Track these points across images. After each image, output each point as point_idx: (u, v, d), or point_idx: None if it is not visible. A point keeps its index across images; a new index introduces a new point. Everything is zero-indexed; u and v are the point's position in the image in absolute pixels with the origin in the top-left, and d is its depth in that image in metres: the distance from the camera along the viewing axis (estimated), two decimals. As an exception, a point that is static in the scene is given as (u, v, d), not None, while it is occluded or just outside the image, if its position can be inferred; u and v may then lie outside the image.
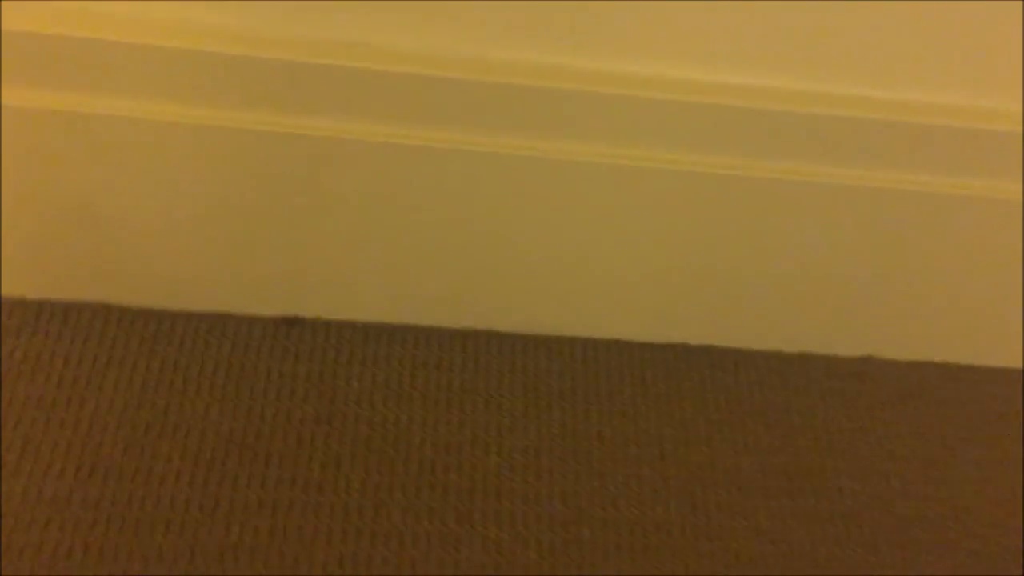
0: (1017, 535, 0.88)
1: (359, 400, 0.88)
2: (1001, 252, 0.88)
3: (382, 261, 0.90)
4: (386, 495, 0.83)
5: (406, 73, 0.77)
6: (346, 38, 0.77)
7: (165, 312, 0.91)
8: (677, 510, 0.85)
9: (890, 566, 0.84)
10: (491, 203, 0.85)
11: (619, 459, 0.88)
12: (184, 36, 0.75)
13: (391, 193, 0.84)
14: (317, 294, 0.92)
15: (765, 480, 0.88)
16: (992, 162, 0.83)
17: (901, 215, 0.86)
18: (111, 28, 0.75)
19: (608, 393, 0.90)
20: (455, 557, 0.80)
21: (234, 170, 0.83)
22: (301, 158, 0.82)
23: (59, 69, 0.76)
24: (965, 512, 0.88)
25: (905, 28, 0.77)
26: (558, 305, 0.93)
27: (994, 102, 0.81)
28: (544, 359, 0.93)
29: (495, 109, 0.79)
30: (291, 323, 0.92)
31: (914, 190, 0.84)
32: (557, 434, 0.89)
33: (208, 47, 0.75)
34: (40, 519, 0.78)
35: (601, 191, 0.84)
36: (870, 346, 0.97)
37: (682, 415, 0.91)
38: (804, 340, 0.96)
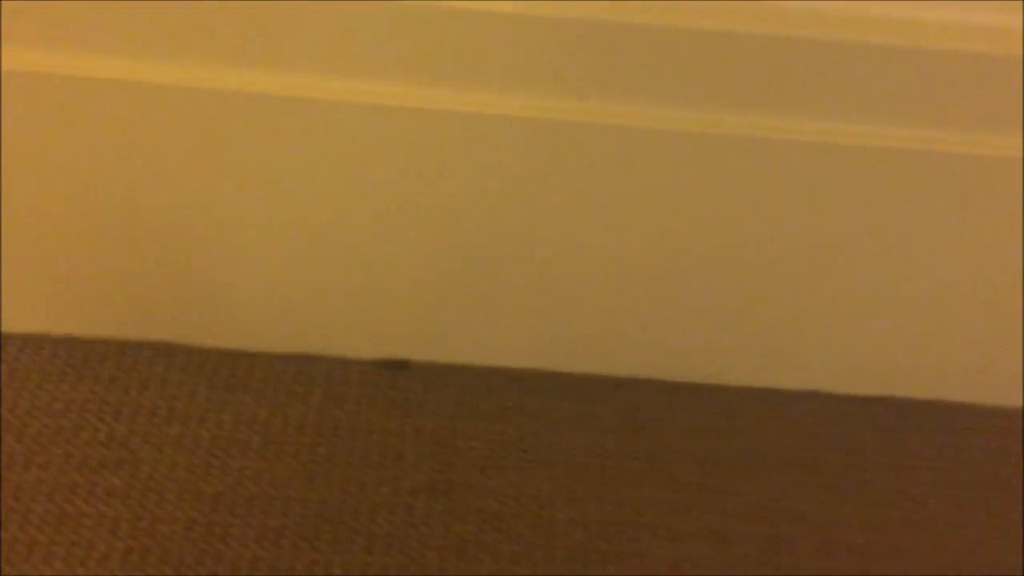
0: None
1: (485, 467, 0.68)
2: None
3: (513, 290, 0.70)
4: (524, 593, 0.63)
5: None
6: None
7: (241, 353, 0.73)
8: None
9: None
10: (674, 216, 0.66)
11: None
12: None
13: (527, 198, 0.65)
14: (428, 333, 0.73)
15: None
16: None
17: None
18: None
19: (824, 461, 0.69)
20: None
21: (328, 173, 0.65)
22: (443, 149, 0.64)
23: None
24: None
25: None
26: (731, 350, 0.73)
27: None
28: (722, 415, 0.72)
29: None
30: (397, 367, 0.73)
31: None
32: (749, 514, 0.67)
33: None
34: (73, 620, 0.60)
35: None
36: None
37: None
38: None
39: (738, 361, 0.73)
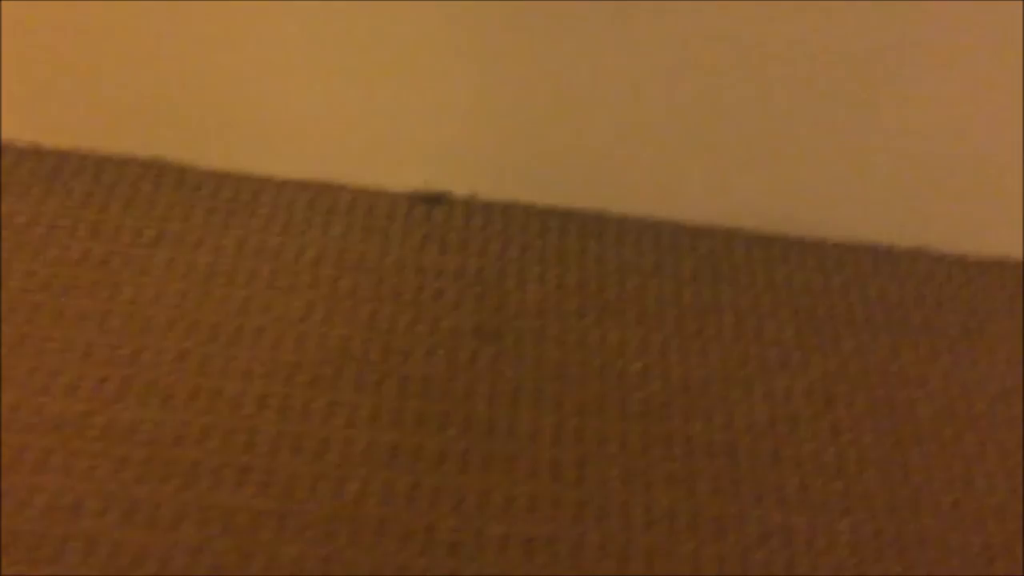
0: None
1: (541, 311, 0.56)
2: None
3: (572, 119, 0.59)
4: (591, 448, 0.51)
5: None
6: None
7: (246, 176, 0.61)
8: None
9: None
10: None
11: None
12: None
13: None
14: (471, 163, 0.61)
15: None
16: None
17: None
18: None
19: (919, 319, 0.58)
20: (706, 550, 0.47)
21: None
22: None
23: None
24: None
25: None
26: (828, 199, 0.62)
27: None
28: (817, 271, 0.61)
29: None
30: (433, 201, 0.61)
31: None
32: (855, 375, 0.56)
33: None
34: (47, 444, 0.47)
35: None
36: None
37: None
38: None
39: (836, 213, 0.62)
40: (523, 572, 0.46)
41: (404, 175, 0.61)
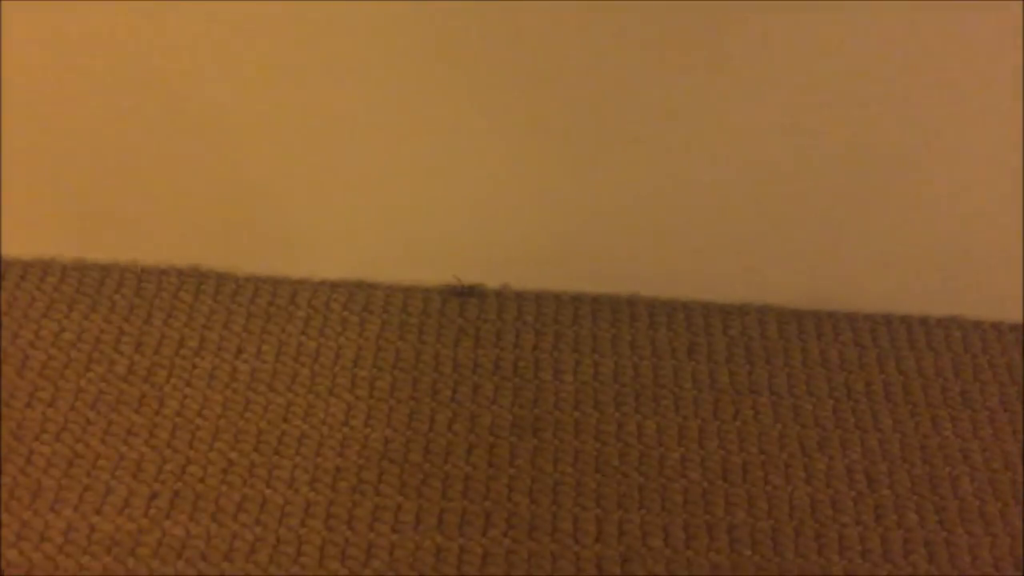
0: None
1: (578, 402, 0.57)
2: None
3: (601, 206, 0.60)
4: (634, 542, 0.51)
5: None
6: None
7: (282, 280, 0.62)
8: None
9: None
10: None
11: None
12: None
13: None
14: (502, 256, 0.62)
15: None
16: None
17: None
18: None
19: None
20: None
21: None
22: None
23: None
24: None
25: None
26: (858, 273, 0.62)
27: None
28: (852, 344, 0.61)
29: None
30: (465, 294, 0.62)
31: None
32: (897, 453, 0.56)
33: None
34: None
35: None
36: None
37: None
38: None
39: (868, 284, 0.62)
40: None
41: (436, 270, 0.62)
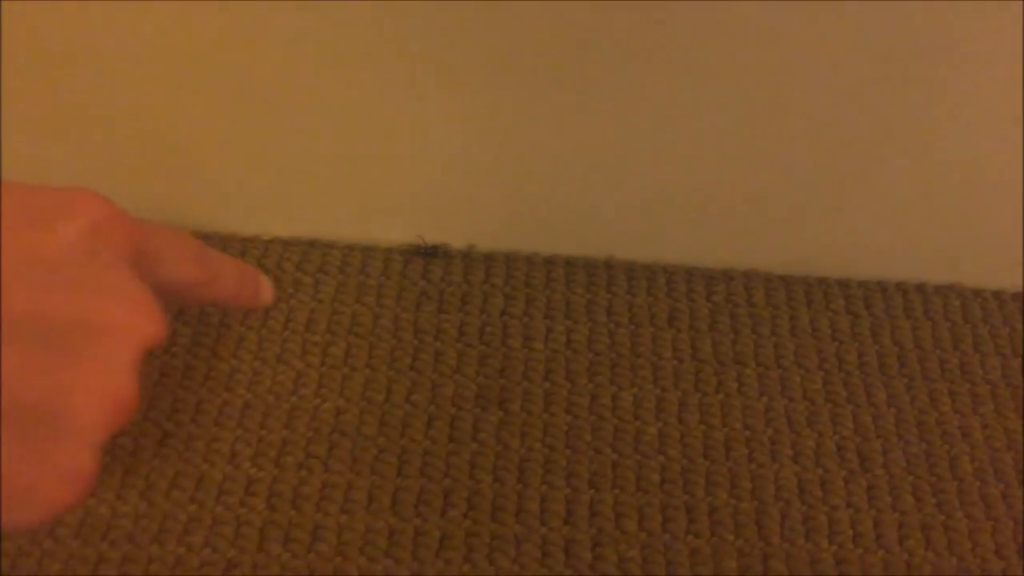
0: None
1: (549, 371, 0.53)
2: None
3: (575, 163, 0.55)
4: (607, 524, 0.47)
5: None
6: None
7: (232, 237, 0.57)
8: None
9: None
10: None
11: None
12: None
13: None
14: (468, 213, 0.57)
15: None
16: None
17: None
18: None
19: None
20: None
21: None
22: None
23: None
24: None
25: None
26: (851, 238, 0.58)
27: None
28: (845, 313, 0.56)
29: None
30: (430, 254, 0.57)
31: None
32: (890, 428, 0.52)
33: None
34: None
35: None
36: None
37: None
38: None
39: (861, 249, 0.57)
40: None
41: (398, 228, 0.57)
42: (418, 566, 0.45)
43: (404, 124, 0.54)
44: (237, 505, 0.47)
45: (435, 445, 0.49)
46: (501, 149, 0.55)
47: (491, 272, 0.56)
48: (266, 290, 0.46)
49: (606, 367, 0.53)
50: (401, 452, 0.49)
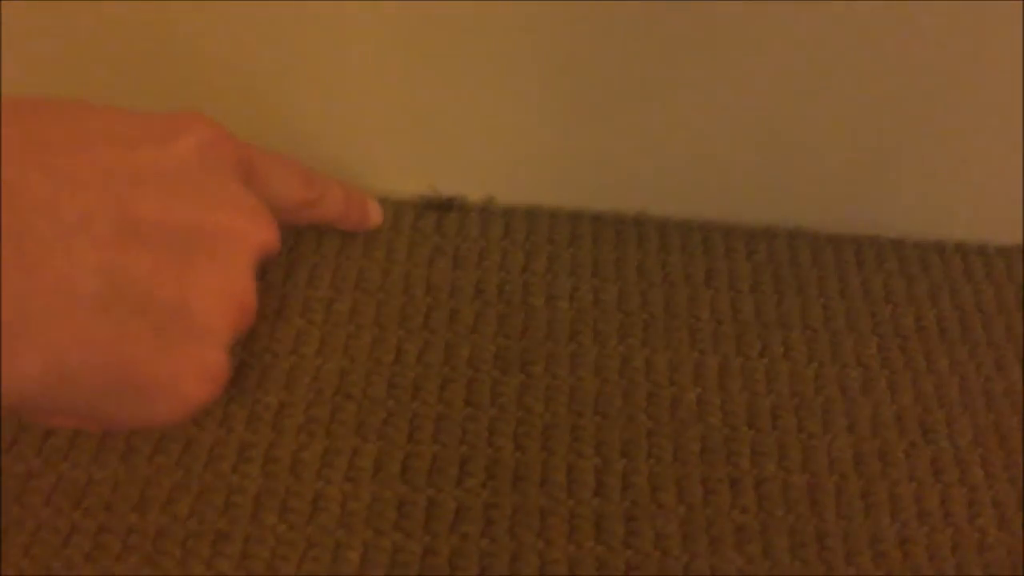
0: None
1: (575, 332, 0.48)
2: None
3: (604, 111, 0.50)
4: (642, 498, 0.42)
5: None
6: None
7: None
8: None
9: None
10: None
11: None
12: None
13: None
14: (488, 162, 0.53)
15: None
16: None
17: None
18: None
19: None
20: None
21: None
22: None
23: None
24: None
25: None
26: (899, 195, 0.53)
27: None
28: (899, 275, 0.52)
29: None
30: (444, 207, 0.52)
31: None
32: (952, 398, 0.47)
33: None
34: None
35: None
36: None
37: None
38: None
39: (917, 206, 0.52)
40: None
41: (410, 178, 0.53)
42: (430, 540, 0.40)
43: (416, 68, 0.49)
44: (228, 471, 0.42)
45: (450, 409, 0.44)
46: (525, 95, 0.50)
47: (511, 227, 0.52)
48: (374, 212, 0.50)
49: (638, 328, 0.48)
50: (412, 417, 0.44)
